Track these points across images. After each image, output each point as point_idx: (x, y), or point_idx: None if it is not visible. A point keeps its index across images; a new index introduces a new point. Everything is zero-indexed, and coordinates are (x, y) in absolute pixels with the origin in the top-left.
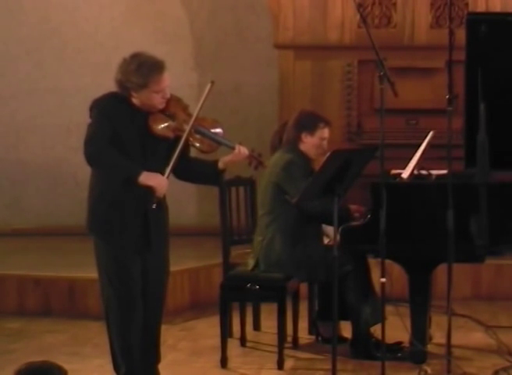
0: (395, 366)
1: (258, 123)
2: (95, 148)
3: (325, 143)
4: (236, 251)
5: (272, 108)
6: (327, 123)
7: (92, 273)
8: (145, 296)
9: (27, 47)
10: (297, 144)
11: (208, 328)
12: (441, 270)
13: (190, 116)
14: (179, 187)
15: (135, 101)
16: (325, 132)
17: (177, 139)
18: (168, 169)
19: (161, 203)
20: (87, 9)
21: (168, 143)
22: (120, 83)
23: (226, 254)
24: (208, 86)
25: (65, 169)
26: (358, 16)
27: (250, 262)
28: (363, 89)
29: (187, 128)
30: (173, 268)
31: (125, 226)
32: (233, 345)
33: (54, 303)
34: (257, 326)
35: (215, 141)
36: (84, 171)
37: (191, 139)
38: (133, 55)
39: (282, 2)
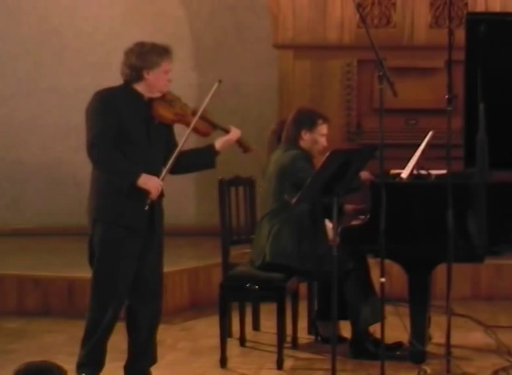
0: (394, 366)
1: (258, 122)
2: (98, 154)
3: (324, 139)
4: (235, 251)
5: (271, 108)
6: (325, 120)
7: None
8: (140, 293)
9: (27, 47)
10: (297, 141)
11: (208, 328)
12: (440, 270)
13: (185, 105)
14: (178, 187)
15: (139, 86)
16: (323, 128)
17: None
18: (164, 171)
19: (159, 204)
20: (86, 9)
21: (168, 130)
22: (133, 66)
23: (226, 254)
24: (216, 85)
25: (64, 169)
26: (358, 16)
27: (254, 258)
28: (362, 89)
29: (193, 116)
30: (173, 268)
31: (133, 210)
32: (233, 345)
33: (53, 303)
34: (256, 326)
35: (211, 124)
36: (84, 171)
37: (191, 121)
38: (138, 42)
39: (281, 2)
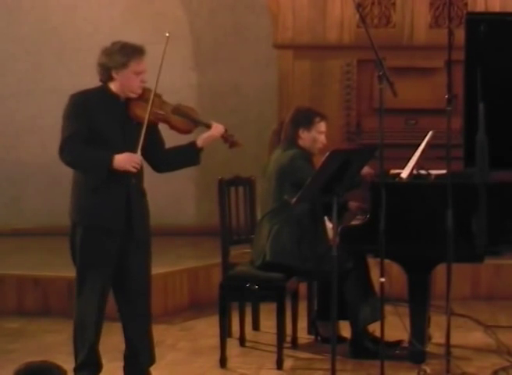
0: (394, 366)
1: (258, 122)
2: (67, 156)
3: (323, 137)
4: (235, 251)
5: (271, 108)
6: (323, 117)
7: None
8: (127, 291)
9: (26, 47)
10: (296, 141)
11: (208, 328)
12: (440, 270)
13: (165, 103)
14: (178, 187)
15: (113, 86)
16: (321, 126)
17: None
18: (139, 145)
19: (144, 193)
20: (86, 9)
21: (151, 130)
22: (103, 65)
23: (225, 254)
24: (167, 36)
25: (64, 169)
26: (357, 16)
27: (255, 257)
28: (362, 89)
29: (173, 114)
30: (173, 268)
31: (109, 211)
32: (232, 345)
33: (53, 303)
34: (256, 326)
35: (192, 121)
36: None
37: (170, 120)
38: (114, 41)
39: (281, 2)
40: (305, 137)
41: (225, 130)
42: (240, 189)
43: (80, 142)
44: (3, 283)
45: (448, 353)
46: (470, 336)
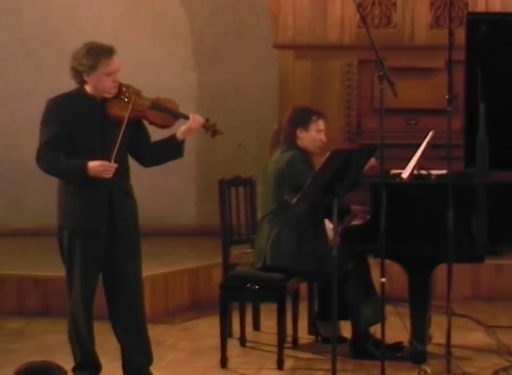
0: (395, 366)
1: (258, 122)
2: (43, 165)
3: (322, 135)
4: (235, 251)
5: (271, 108)
6: (320, 115)
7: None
8: (116, 292)
9: (27, 47)
10: (294, 141)
11: (208, 328)
12: (441, 270)
13: (142, 98)
14: (179, 188)
15: (88, 88)
16: (319, 124)
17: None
18: (113, 153)
19: (129, 192)
20: (86, 9)
21: (134, 127)
22: (73, 69)
23: (226, 254)
24: None
25: None
26: (358, 16)
27: (255, 260)
28: (363, 89)
29: (150, 109)
30: (173, 268)
31: (91, 214)
32: (233, 345)
33: (53, 303)
34: (256, 326)
35: (171, 115)
36: None
37: (148, 115)
38: (85, 43)
39: (282, 2)
40: (304, 137)
41: (207, 120)
42: (241, 189)
43: (55, 149)
44: (3, 284)
45: (448, 353)
46: (470, 336)
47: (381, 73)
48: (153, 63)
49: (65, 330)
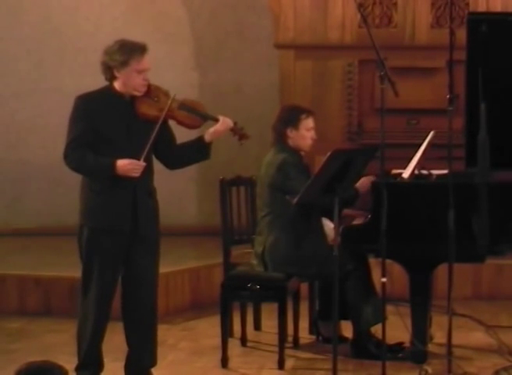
0: (395, 366)
1: (259, 122)
2: (71, 163)
3: (312, 133)
4: (236, 251)
5: (272, 108)
6: (309, 113)
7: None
8: (133, 292)
9: (28, 47)
10: (285, 141)
11: (209, 328)
12: (441, 270)
13: (171, 98)
14: (179, 187)
15: (117, 85)
16: (309, 122)
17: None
18: (144, 152)
19: (152, 193)
20: (87, 9)
21: (161, 127)
22: (104, 64)
23: (227, 254)
24: None
25: (65, 169)
26: (359, 16)
27: (255, 263)
28: (363, 89)
29: (179, 110)
30: (174, 268)
31: (114, 213)
32: (234, 345)
33: (54, 303)
34: (257, 326)
35: (200, 116)
36: None
37: (177, 115)
38: (117, 40)
39: (282, 2)
40: (294, 136)
41: (235, 123)
42: (242, 189)
43: (82, 146)
44: (4, 283)
45: (449, 353)
46: (471, 336)
47: (382, 73)
48: (154, 63)
49: (66, 330)
